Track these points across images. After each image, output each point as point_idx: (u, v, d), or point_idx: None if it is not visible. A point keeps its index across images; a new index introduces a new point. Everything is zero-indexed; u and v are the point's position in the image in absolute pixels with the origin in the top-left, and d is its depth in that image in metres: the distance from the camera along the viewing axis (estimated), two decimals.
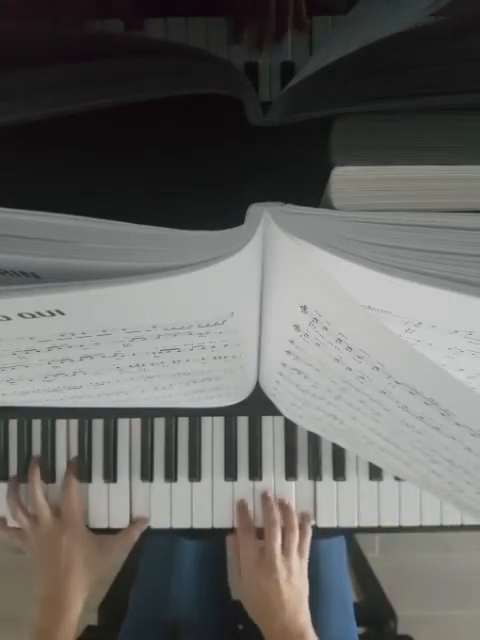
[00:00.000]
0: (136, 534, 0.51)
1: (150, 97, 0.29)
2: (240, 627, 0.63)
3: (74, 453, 0.53)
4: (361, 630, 0.66)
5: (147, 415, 0.52)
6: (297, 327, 0.26)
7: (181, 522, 0.52)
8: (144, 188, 0.37)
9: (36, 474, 0.52)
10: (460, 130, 0.26)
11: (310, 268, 0.20)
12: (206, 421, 0.53)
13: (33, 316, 0.19)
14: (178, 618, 0.57)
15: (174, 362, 0.29)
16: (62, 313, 0.19)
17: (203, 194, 0.36)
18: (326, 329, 0.24)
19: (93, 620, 0.66)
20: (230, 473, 0.52)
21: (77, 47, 0.30)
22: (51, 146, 0.36)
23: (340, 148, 0.26)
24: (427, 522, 0.51)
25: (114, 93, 0.29)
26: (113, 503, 0.52)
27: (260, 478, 0.52)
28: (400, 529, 0.52)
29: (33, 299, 0.18)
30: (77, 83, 0.29)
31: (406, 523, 0.51)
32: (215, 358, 0.30)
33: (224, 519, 0.52)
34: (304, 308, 0.23)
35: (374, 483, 0.52)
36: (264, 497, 0.51)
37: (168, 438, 0.53)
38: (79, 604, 0.48)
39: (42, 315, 0.19)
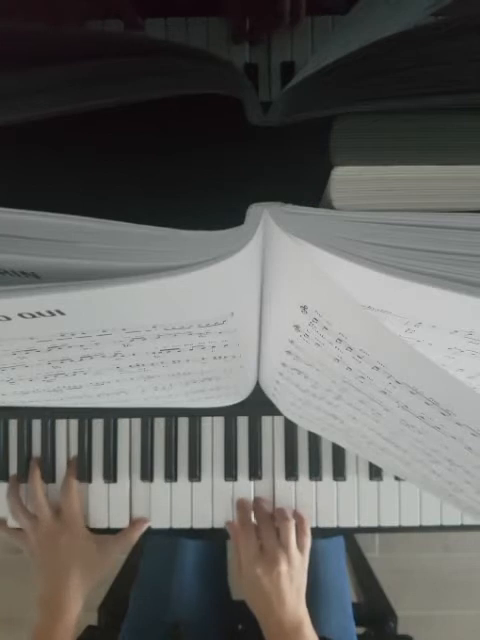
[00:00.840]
0: (136, 535, 0.51)
1: (150, 97, 0.29)
2: (240, 627, 0.64)
3: (74, 453, 0.53)
4: (361, 630, 0.66)
5: (147, 415, 0.52)
6: (297, 327, 0.26)
7: (181, 522, 0.52)
8: (144, 188, 0.37)
9: (37, 474, 0.52)
10: (460, 130, 0.26)
11: (310, 268, 0.20)
12: (206, 421, 0.53)
13: (33, 316, 0.19)
14: (178, 618, 0.57)
15: (174, 362, 0.29)
16: (62, 313, 0.19)
17: (203, 194, 0.36)
18: (326, 329, 0.24)
19: (93, 620, 0.65)
20: (230, 473, 0.52)
21: (77, 47, 0.30)
22: (51, 146, 0.36)
23: (340, 148, 0.26)
24: (427, 522, 0.51)
25: (114, 93, 0.29)
26: (113, 503, 0.52)
27: (260, 478, 0.52)
28: (400, 529, 0.52)
29: (33, 299, 0.18)
30: (77, 83, 0.29)
31: (406, 523, 0.51)
32: (215, 358, 0.30)
33: (224, 519, 0.52)
34: (304, 308, 0.23)
35: (374, 483, 0.52)
36: (256, 500, 0.52)
37: (168, 438, 0.53)
38: (78, 604, 0.48)
39: (42, 315, 0.19)
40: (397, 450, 0.35)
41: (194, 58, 0.31)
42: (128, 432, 0.53)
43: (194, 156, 0.38)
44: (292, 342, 0.28)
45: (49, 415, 0.52)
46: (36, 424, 0.53)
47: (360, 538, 0.85)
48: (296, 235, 0.19)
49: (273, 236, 0.20)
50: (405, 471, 0.40)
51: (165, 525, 0.52)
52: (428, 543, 1.18)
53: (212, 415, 0.52)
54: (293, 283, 0.22)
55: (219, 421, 0.53)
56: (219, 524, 0.52)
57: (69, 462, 0.53)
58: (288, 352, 0.30)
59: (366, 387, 0.27)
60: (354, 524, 0.52)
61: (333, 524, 0.52)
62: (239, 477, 0.52)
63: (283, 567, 0.47)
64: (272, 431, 0.53)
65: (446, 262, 0.20)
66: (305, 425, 0.48)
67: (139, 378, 0.32)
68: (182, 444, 0.53)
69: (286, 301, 0.24)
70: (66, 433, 0.53)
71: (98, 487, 0.52)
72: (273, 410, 0.46)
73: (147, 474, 0.52)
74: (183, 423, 0.53)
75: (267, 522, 0.50)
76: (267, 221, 0.20)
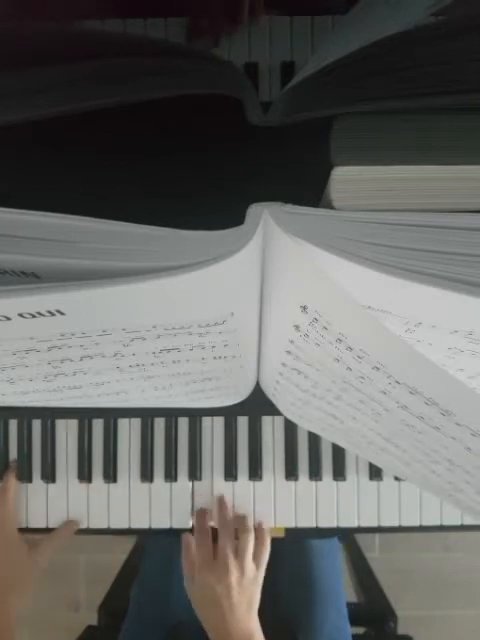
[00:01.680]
0: (67, 534, 0.51)
1: (150, 97, 0.29)
2: None
3: (74, 453, 0.53)
4: (361, 630, 0.66)
5: (147, 415, 0.52)
6: (297, 327, 0.26)
7: (181, 522, 0.52)
8: (144, 188, 0.37)
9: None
10: (460, 130, 0.26)
11: (310, 268, 0.20)
12: (206, 421, 0.53)
13: (33, 316, 0.19)
14: (178, 618, 0.57)
15: (174, 362, 0.29)
16: (62, 313, 0.19)
17: (203, 194, 0.36)
18: (326, 329, 0.24)
19: (93, 620, 0.66)
20: (230, 473, 0.52)
21: (77, 47, 0.30)
22: (51, 146, 0.36)
23: (340, 148, 0.26)
24: (427, 522, 0.51)
25: (114, 93, 0.29)
26: (113, 503, 0.52)
27: (260, 478, 0.52)
28: (400, 529, 0.52)
29: (33, 299, 0.18)
30: (77, 83, 0.29)
31: (406, 523, 0.51)
32: (215, 358, 0.30)
33: None
34: (304, 308, 0.23)
35: (374, 483, 0.52)
36: (220, 501, 0.51)
37: (168, 438, 0.53)
38: (12, 608, 0.47)
39: (42, 315, 0.19)
40: (397, 450, 0.35)
41: (194, 58, 0.31)
42: (128, 432, 0.53)
43: (194, 156, 0.38)
44: (292, 342, 0.28)
45: (49, 415, 0.52)
46: (36, 424, 0.53)
47: (360, 538, 0.85)
48: (296, 235, 0.19)
49: (273, 236, 0.20)
50: (405, 471, 0.40)
51: (165, 525, 0.52)
52: (428, 543, 1.18)
53: (212, 415, 0.52)
54: (293, 283, 0.22)
55: (219, 421, 0.53)
56: None
57: (9, 463, 0.52)
58: (288, 352, 0.30)
59: (366, 387, 0.27)
60: (354, 524, 0.52)
61: (333, 524, 0.52)
62: (239, 477, 0.52)
63: (234, 577, 0.47)
64: (272, 431, 0.53)
65: (446, 262, 0.20)
66: (305, 425, 0.48)
67: (139, 378, 0.32)
68: (182, 444, 0.53)
69: (286, 301, 0.24)
70: (66, 433, 0.53)
71: (98, 487, 0.52)
72: (273, 410, 0.46)
73: (147, 474, 0.52)
74: (183, 423, 0.53)
75: (226, 530, 0.50)
76: (267, 221, 0.20)
